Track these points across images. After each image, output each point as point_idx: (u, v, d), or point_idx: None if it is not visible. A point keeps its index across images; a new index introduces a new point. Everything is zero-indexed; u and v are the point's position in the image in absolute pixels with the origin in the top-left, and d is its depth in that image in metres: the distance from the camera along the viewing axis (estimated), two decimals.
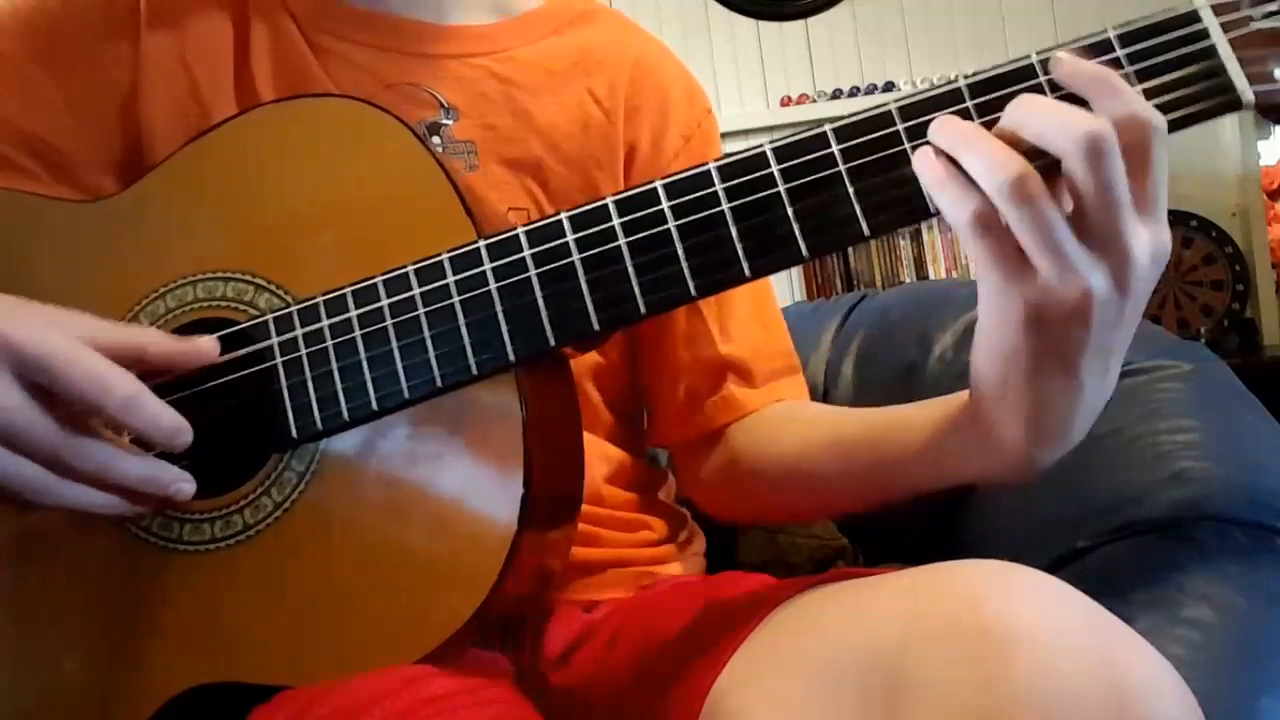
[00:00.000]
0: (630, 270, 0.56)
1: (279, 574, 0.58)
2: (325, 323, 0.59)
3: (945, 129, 0.51)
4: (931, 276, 2.77)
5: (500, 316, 0.57)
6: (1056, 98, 0.51)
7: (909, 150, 0.53)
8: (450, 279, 0.58)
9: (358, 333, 0.58)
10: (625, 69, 0.79)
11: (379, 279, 0.59)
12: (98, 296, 0.63)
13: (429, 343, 0.57)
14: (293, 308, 0.60)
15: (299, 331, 0.60)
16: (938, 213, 0.52)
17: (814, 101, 2.88)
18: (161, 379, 0.58)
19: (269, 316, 0.60)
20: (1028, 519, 0.83)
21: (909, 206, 0.53)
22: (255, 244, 0.63)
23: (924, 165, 0.51)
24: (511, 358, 0.57)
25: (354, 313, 0.59)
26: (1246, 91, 0.51)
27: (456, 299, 0.57)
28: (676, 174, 0.56)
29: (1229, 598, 0.70)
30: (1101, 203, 0.48)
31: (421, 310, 0.58)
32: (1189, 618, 0.68)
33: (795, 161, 0.54)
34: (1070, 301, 0.49)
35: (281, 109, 0.65)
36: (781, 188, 0.54)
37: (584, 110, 0.77)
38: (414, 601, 0.57)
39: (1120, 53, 0.52)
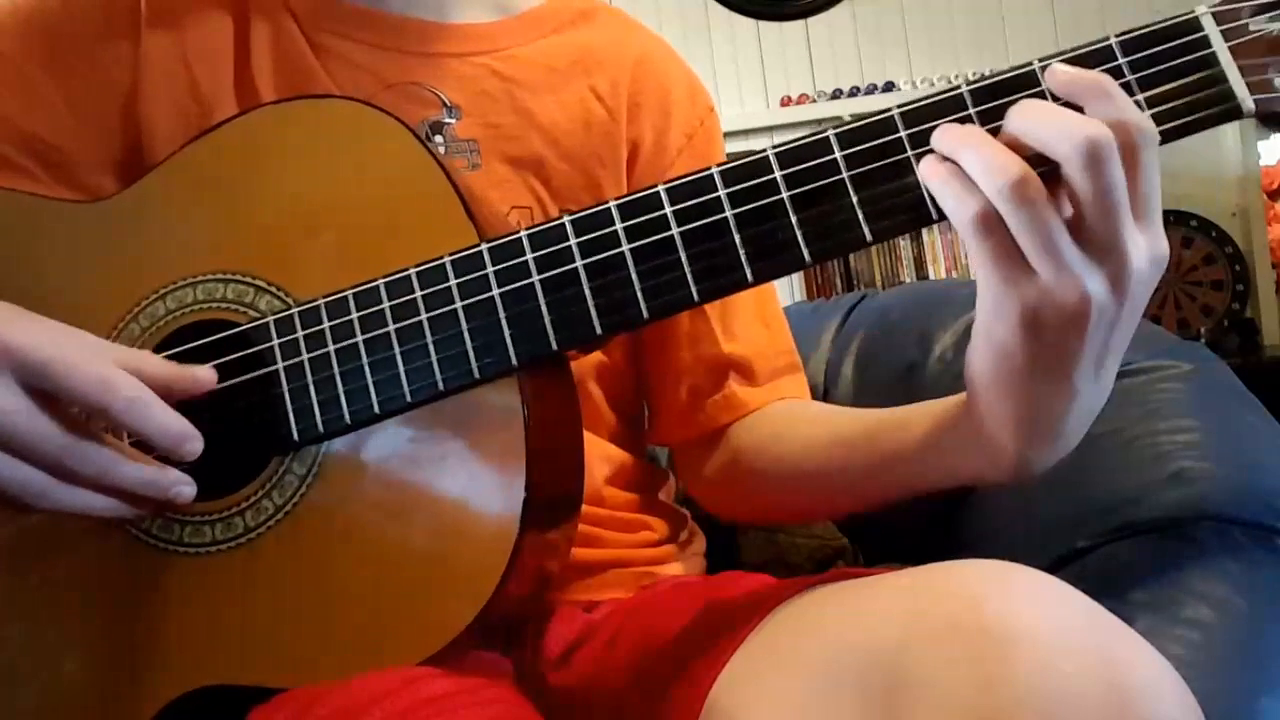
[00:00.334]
0: (633, 275, 0.56)
1: (280, 577, 0.58)
2: (327, 325, 0.59)
3: (947, 134, 0.51)
4: (931, 276, 2.77)
5: (503, 321, 0.57)
6: (1059, 104, 0.52)
7: (912, 157, 0.53)
8: (453, 282, 0.57)
9: (359, 336, 0.58)
10: (627, 67, 0.79)
11: (380, 282, 0.58)
12: (97, 298, 0.63)
13: (431, 346, 0.57)
14: (294, 310, 0.60)
15: (300, 334, 0.59)
16: (939, 220, 0.52)
17: (814, 101, 2.89)
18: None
19: (270, 319, 0.60)
20: (1028, 519, 0.83)
21: (912, 214, 0.53)
22: (255, 245, 0.62)
23: (928, 167, 0.52)
24: (514, 361, 0.57)
25: (355, 315, 0.59)
26: (1247, 100, 0.51)
27: (459, 303, 0.57)
28: (679, 178, 0.56)
29: (1229, 598, 0.70)
30: (1100, 208, 0.48)
31: (424, 314, 0.58)
32: (1189, 618, 0.68)
33: (798, 167, 0.54)
34: (1068, 305, 0.49)
35: (282, 110, 0.65)
36: (785, 194, 0.54)
37: (586, 108, 0.77)
38: (416, 605, 0.56)
39: (1122, 60, 0.52)
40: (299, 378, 0.59)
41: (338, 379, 0.58)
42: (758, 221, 0.54)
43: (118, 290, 0.64)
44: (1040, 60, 0.53)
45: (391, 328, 0.58)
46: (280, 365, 0.60)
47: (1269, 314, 2.83)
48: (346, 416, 0.58)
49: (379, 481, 0.58)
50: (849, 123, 0.54)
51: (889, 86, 2.89)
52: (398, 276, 0.58)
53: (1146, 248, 0.50)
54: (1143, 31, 0.52)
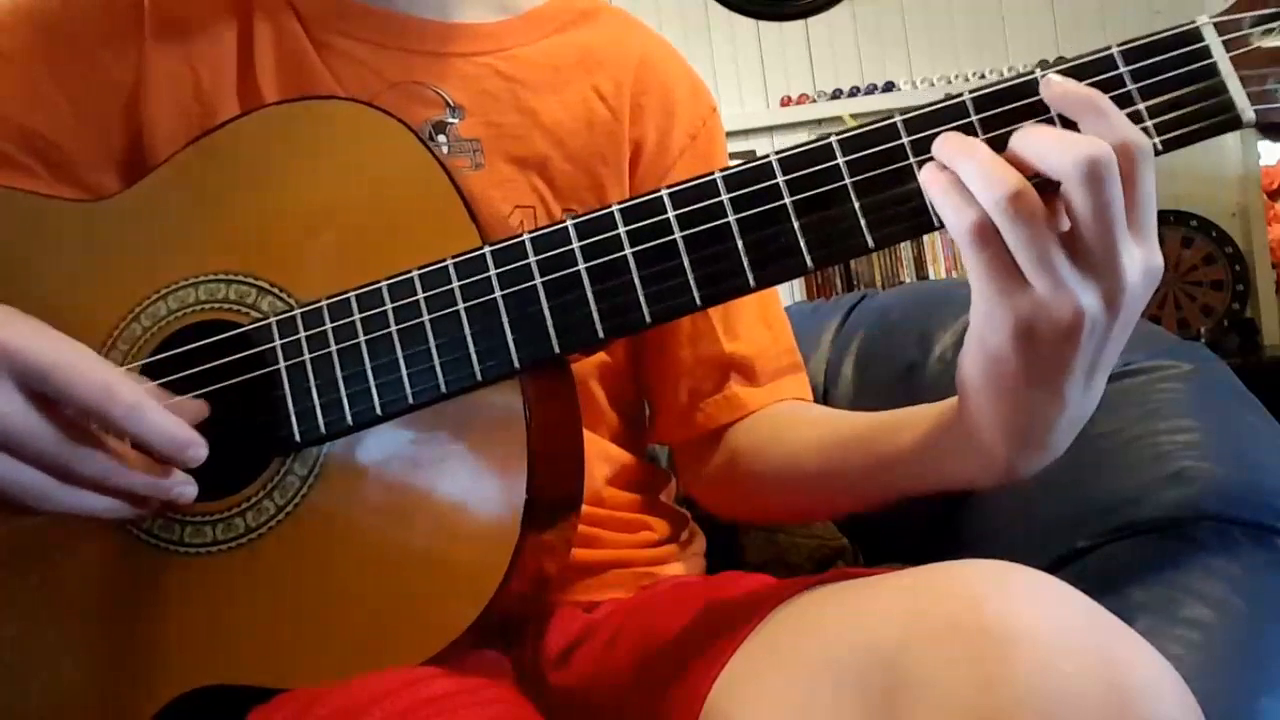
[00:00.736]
0: (636, 280, 0.56)
1: (281, 577, 0.58)
2: (329, 326, 0.59)
3: (948, 143, 0.52)
4: (931, 276, 2.77)
5: (505, 323, 0.57)
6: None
7: (914, 164, 0.53)
8: (455, 284, 0.58)
9: (361, 337, 0.58)
10: (631, 67, 0.79)
11: (384, 283, 0.59)
12: (98, 297, 0.63)
13: (434, 348, 0.57)
14: (296, 311, 0.60)
15: (302, 335, 0.59)
16: (941, 227, 0.52)
17: (814, 101, 2.89)
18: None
19: (272, 320, 0.60)
20: (1028, 519, 0.83)
21: (913, 221, 0.53)
22: (257, 246, 0.62)
23: (928, 176, 0.52)
24: (516, 364, 0.57)
25: (358, 317, 0.59)
26: (1247, 110, 0.52)
27: (461, 305, 0.57)
28: (682, 183, 0.56)
29: (1229, 598, 0.70)
30: (1097, 224, 0.49)
31: (426, 315, 0.58)
32: (1189, 618, 0.68)
33: (801, 173, 0.54)
34: (1062, 319, 0.50)
35: (285, 111, 0.65)
36: (788, 200, 0.54)
37: (589, 108, 0.77)
38: (417, 605, 0.57)
39: (1123, 69, 0.52)
40: (301, 379, 0.59)
41: (340, 380, 0.59)
42: (760, 227, 0.55)
43: (119, 290, 0.63)
44: (1043, 68, 0.53)
45: (394, 329, 0.58)
46: (282, 366, 0.60)
47: (1269, 314, 2.83)
48: (348, 418, 0.58)
49: (380, 482, 0.58)
50: (851, 128, 0.55)
51: (889, 86, 2.89)
52: (400, 279, 0.58)
53: (1141, 261, 0.50)
54: (1144, 41, 0.53)
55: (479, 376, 0.57)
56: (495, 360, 0.57)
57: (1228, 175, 2.82)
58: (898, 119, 0.54)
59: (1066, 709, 0.42)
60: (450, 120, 0.73)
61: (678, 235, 0.55)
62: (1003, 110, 0.53)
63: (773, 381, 0.78)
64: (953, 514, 0.90)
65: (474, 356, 0.57)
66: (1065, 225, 0.50)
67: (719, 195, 0.55)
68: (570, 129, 0.76)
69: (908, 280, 2.77)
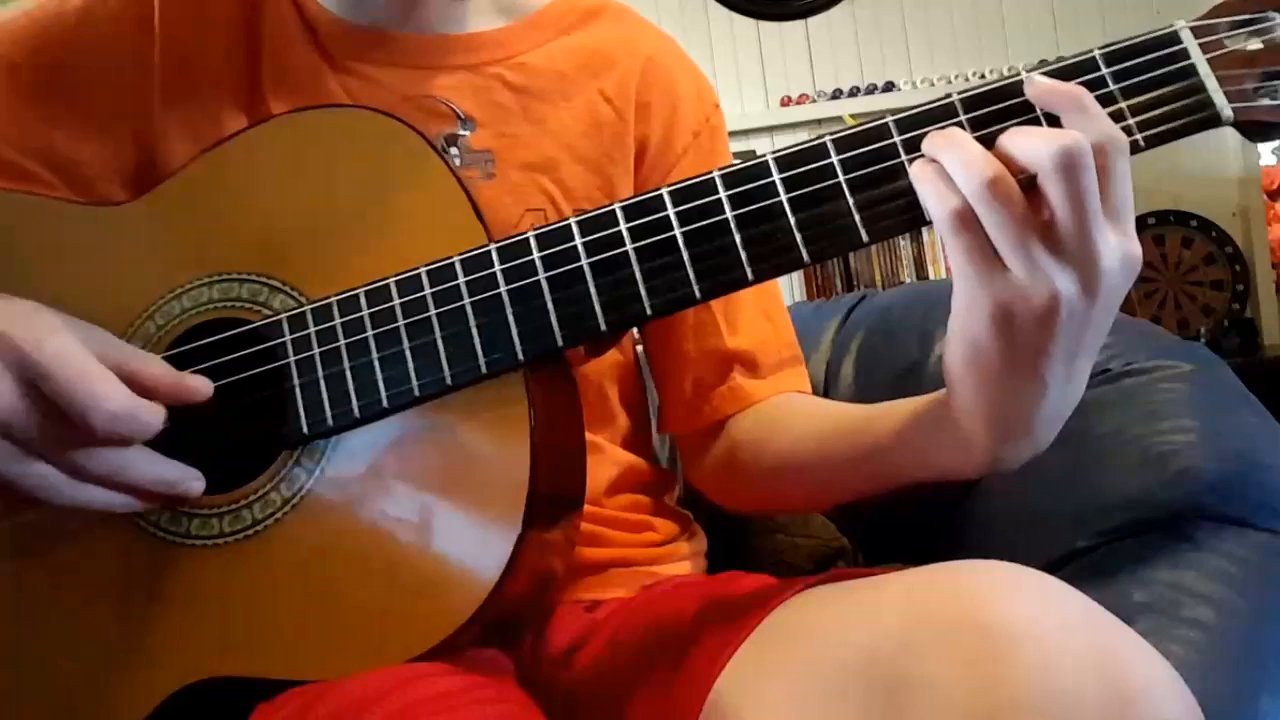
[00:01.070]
0: (637, 274, 0.57)
1: (285, 569, 0.59)
2: (338, 321, 0.60)
3: (934, 137, 0.53)
4: (931, 276, 2.77)
5: (510, 318, 0.58)
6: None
7: (905, 162, 0.55)
8: (461, 280, 0.58)
9: (370, 332, 0.59)
10: (636, 66, 0.80)
11: (391, 280, 0.60)
12: (113, 296, 0.64)
13: (440, 342, 0.58)
14: (306, 307, 0.61)
15: (311, 330, 0.60)
16: (932, 222, 0.53)
17: (814, 101, 2.89)
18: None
19: (282, 316, 0.61)
20: (1028, 519, 0.83)
21: (906, 216, 0.55)
22: (270, 247, 0.63)
23: (916, 168, 0.53)
24: (520, 357, 0.58)
25: (366, 312, 0.59)
26: (1225, 109, 0.54)
27: (467, 300, 0.58)
28: (682, 181, 0.57)
29: (1229, 598, 0.70)
30: (1073, 212, 0.50)
31: (433, 311, 0.59)
32: (1189, 618, 0.69)
33: (796, 171, 0.56)
34: (1039, 303, 0.51)
35: (299, 118, 0.66)
36: (783, 197, 0.56)
37: (595, 110, 0.78)
38: (420, 596, 0.57)
39: (1105, 71, 0.54)
40: (310, 372, 0.60)
41: (348, 373, 0.59)
42: (758, 223, 0.56)
43: (134, 290, 0.64)
44: (1029, 70, 0.55)
45: (401, 323, 0.59)
46: (292, 360, 0.60)
47: (1269, 314, 2.83)
48: (356, 410, 0.59)
49: (385, 476, 0.59)
50: (845, 128, 0.56)
51: (889, 86, 2.89)
52: (408, 275, 0.59)
53: (1118, 248, 0.51)
54: (1125, 44, 0.55)
55: (484, 369, 0.58)
56: (500, 353, 0.58)
57: (1228, 175, 2.82)
58: (889, 119, 0.56)
59: (1066, 709, 0.42)
60: (462, 133, 0.74)
61: (677, 231, 0.57)
62: (990, 110, 0.55)
63: (774, 374, 0.79)
64: (953, 514, 0.91)
65: (479, 349, 0.58)
66: (1045, 215, 0.51)
67: (717, 193, 0.57)
68: (579, 133, 0.77)
69: (908, 280, 2.77)
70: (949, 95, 0.55)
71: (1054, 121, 0.53)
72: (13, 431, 0.53)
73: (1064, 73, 0.54)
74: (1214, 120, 0.54)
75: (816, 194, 0.55)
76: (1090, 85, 0.53)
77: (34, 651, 0.61)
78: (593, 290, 0.57)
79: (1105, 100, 0.53)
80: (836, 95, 2.89)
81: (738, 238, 0.56)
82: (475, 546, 0.56)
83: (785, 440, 0.74)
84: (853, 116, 2.76)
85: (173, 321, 0.63)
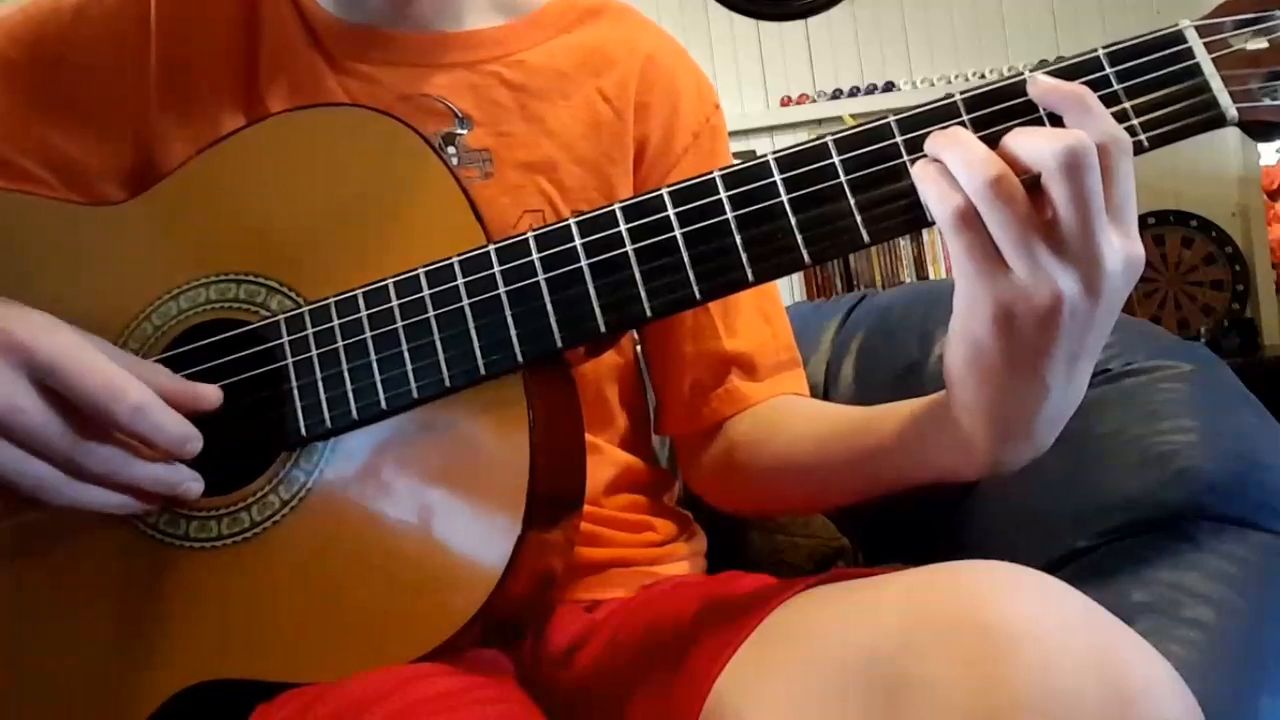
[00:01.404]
0: (636, 275, 0.57)
1: (285, 572, 0.59)
2: (336, 323, 0.60)
3: (936, 136, 0.53)
4: (931, 276, 2.77)
5: (509, 319, 0.58)
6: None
7: (907, 162, 0.54)
8: (460, 281, 0.58)
9: (368, 333, 0.59)
10: (636, 66, 0.79)
11: (390, 281, 0.59)
12: (111, 297, 0.64)
13: (438, 344, 0.58)
14: (304, 309, 0.61)
15: (310, 331, 0.60)
16: (934, 222, 0.53)
17: (814, 101, 2.89)
18: None
19: (280, 317, 0.61)
20: (1028, 519, 0.83)
21: (907, 217, 0.55)
22: (268, 248, 0.63)
23: (919, 168, 0.53)
24: (520, 359, 0.57)
25: (365, 313, 0.59)
26: (1230, 109, 0.53)
27: (466, 301, 0.58)
28: (682, 182, 0.57)
29: (1229, 598, 0.70)
30: (1076, 212, 0.50)
31: (432, 312, 0.58)
32: (1189, 618, 0.68)
33: (797, 172, 0.56)
34: (1041, 303, 0.50)
35: (296, 117, 0.66)
36: (784, 197, 0.56)
37: (594, 110, 0.77)
38: (420, 598, 0.57)
39: (1109, 70, 0.54)
40: (308, 374, 0.60)
41: (346, 375, 0.59)
42: (758, 223, 0.56)
43: (131, 290, 0.64)
44: (1031, 70, 0.55)
45: (400, 324, 0.59)
46: (289, 361, 0.60)
47: (1269, 314, 2.83)
48: (354, 412, 0.59)
49: (384, 477, 0.59)
50: (846, 128, 0.56)
51: (889, 86, 2.89)
52: (406, 276, 0.59)
53: (1121, 250, 0.51)
54: (1129, 44, 0.54)
55: (483, 370, 0.58)
56: (499, 354, 0.58)
57: (1228, 175, 2.82)
58: (891, 119, 0.55)
59: (1066, 709, 0.42)
60: (459, 132, 0.74)
61: (677, 232, 0.56)
62: (993, 110, 0.54)
63: (772, 376, 0.79)
64: (953, 514, 0.90)
65: (478, 351, 0.58)
66: (1048, 215, 0.51)
67: (718, 193, 0.56)
68: (577, 133, 0.76)
69: (908, 280, 2.77)
70: (951, 95, 0.55)
71: (1057, 122, 0.53)
72: (14, 430, 0.53)
73: (1068, 72, 0.54)
74: (1218, 120, 0.54)
75: (818, 194, 0.55)
76: (1094, 85, 0.53)
77: (34, 654, 0.61)
78: (592, 291, 0.57)
79: (1109, 100, 0.53)
80: (836, 95, 2.89)
81: (738, 238, 0.56)
82: (475, 547, 0.56)
83: (782, 442, 0.74)
84: (853, 116, 2.76)
85: (170, 323, 0.63)
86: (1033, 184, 0.51)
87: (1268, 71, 0.53)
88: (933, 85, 2.88)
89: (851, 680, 0.47)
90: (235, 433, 0.59)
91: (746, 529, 1.01)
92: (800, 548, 0.98)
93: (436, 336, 0.58)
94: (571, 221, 0.58)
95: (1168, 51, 0.54)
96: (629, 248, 0.57)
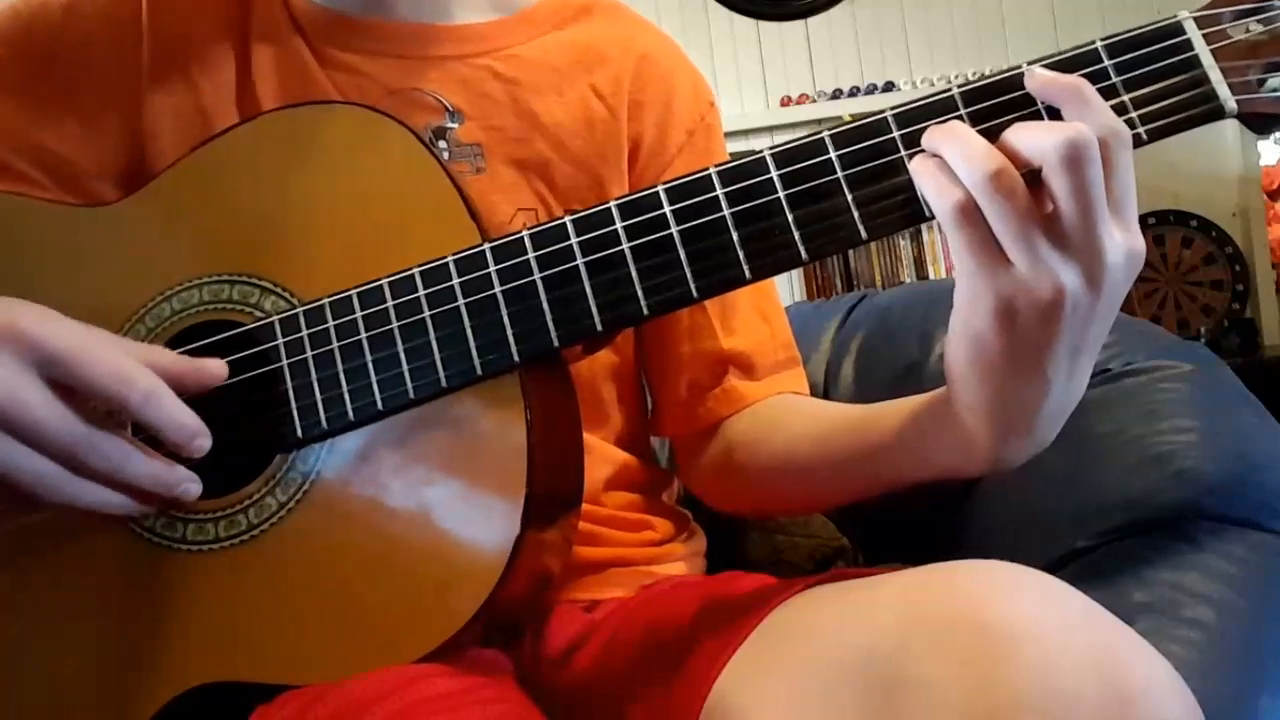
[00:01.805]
0: (633, 273, 0.56)
1: (282, 574, 0.59)
2: (331, 324, 0.60)
3: (935, 130, 0.53)
4: (931, 276, 2.77)
5: (505, 318, 0.57)
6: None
7: (904, 157, 0.54)
8: (455, 281, 0.58)
9: (363, 334, 0.59)
10: (630, 63, 0.79)
11: (384, 281, 0.59)
12: (104, 299, 0.64)
13: (434, 344, 0.58)
14: (298, 310, 0.60)
15: (305, 333, 0.60)
16: (932, 217, 0.53)
17: (814, 101, 2.89)
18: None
19: (275, 318, 0.61)
20: (1028, 519, 0.83)
21: (905, 211, 0.54)
22: (261, 248, 0.63)
23: (917, 163, 0.53)
24: (516, 358, 0.57)
25: (360, 314, 0.59)
26: (1229, 100, 0.53)
27: (461, 301, 0.58)
28: (678, 179, 0.57)
29: (1229, 598, 0.70)
30: (1076, 205, 0.49)
31: (427, 312, 0.58)
32: (1189, 618, 0.68)
33: (794, 167, 0.55)
34: (1042, 297, 0.50)
35: (287, 115, 0.65)
36: (781, 193, 0.55)
37: (587, 107, 0.77)
38: (418, 600, 0.57)
39: (1108, 63, 0.54)
40: (303, 375, 0.60)
41: (341, 376, 0.59)
42: (755, 220, 0.55)
43: (125, 291, 0.64)
44: (1029, 63, 0.54)
45: (395, 325, 0.58)
46: (285, 362, 0.60)
47: (1269, 314, 2.83)
48: (350, 413, 0.59)
49: (381, 479, 0.58)
50: (843, 124, 0.56)
51: (889, 86, 2.89)
52: (401, 276, 0.59)
53: (1122, 243, 0.51)
54: (1127, 36, 0.54)
55: (479, 370, 0.57)
56: (495, 354, 0.57)
57: (1228, 175, 2.82)
58: (888, 114, 0.55)
59: (1066, 709, 0.42)
60: (450, 125, 0.73)
61: (674, 229, 0.56)
62: (991, 104, 0.54)
63: (770, 375, 0.78)
64: (953, 514, 0.90)
65: (474, 350, 0.57)
66: (1049, 209, 0.50)
67: (714, 190, 0.56)
68: (570, 130, 0.76)
69: (908, 280, 2.77)
70: (948, 89, 0.55)
71: (1055, 115, 0.52)
72: (15, 423, 0.53)
73: (1066, 65, 0.54)
74: (1218, 112, 0.53)
75: (814, 190, 0.55)
76: (1092, 77, 0.53)
77: (33, 659, 0.61)
78: (588, 289, 0.57)
79: (1108, 92, 0.53)
80: (836, 95, 2.89)
81: (735, 235, 0.55)
82: (474, 547, 0.56)
83: (781, 440, 0.73)
84: (853, 116, 2.74)
85: (163, 324, 0.63)
86: (1033, 178, 0.50)
87: (1267, 62, 0.53)
88: (933, 85, 2.88)
89: (850, 680, 0.47)
90: (232, 434, 0.59)
91: (746, 529, 1.00)
92: (800, 548, 0.98)
93: (432, 336, 0.58)
94: (567, 219, 0.58)
95: (1166, 43, 0.54)
96: (625, 245, 0.57)
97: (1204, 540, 0.74)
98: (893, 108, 0.55)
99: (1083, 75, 0.53)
